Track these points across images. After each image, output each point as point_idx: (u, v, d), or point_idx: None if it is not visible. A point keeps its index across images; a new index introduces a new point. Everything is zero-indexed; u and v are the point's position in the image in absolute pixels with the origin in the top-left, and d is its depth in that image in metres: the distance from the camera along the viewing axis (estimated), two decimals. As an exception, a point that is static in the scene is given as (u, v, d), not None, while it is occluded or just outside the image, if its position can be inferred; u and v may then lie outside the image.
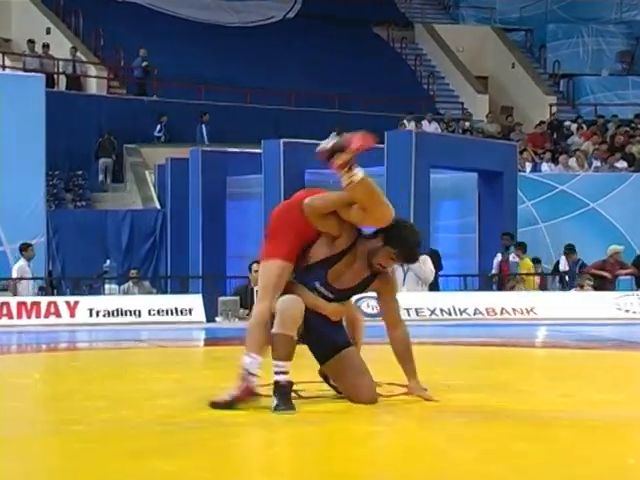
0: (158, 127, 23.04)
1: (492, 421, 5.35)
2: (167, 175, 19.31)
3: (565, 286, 16.98)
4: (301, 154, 17.26)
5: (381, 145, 16.45)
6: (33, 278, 15.82)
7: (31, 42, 23.71)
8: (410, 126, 23.05)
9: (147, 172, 21.52)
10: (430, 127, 24.15)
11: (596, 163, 22.01)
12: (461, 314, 14.75)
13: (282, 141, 17.67)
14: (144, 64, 24.11)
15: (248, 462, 4.31)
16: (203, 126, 22.96)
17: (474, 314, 14.76)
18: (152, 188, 21.05)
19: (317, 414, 5.46)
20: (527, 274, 16.63)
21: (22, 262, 15.89)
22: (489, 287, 16.63)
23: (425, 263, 14.31)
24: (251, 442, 4.83)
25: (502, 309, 14.86)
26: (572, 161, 21.88)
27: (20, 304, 14.43)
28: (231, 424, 5.17)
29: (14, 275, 15.87)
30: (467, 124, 25.67)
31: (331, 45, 27.41)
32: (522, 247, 16.61)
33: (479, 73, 29.84)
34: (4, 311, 14.29)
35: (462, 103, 28.74)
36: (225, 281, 16.95)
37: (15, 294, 15.34)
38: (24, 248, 15.97)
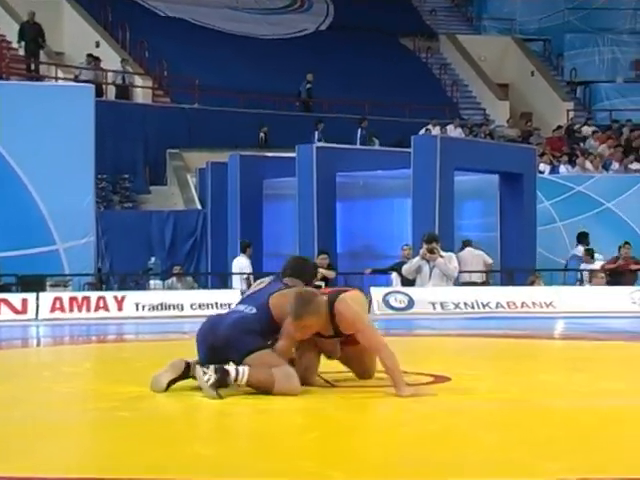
0: (316, 135, 22.31)
1: (515, 409, 5.31)
2: (208, 178, 19.34)
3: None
4: (333, 158, 17.24)
5: (408, 149, 16.40)
6: (83, 275, 15.89)
7: (90, 56, 23.60)
8: (435, 131, 22.96)
9: (189, 175, 21.55)
10: (454, 132, 24.04)
11: (613, 165, 21.84)
12: (484, 307, 14.70)
13: (315, 145, 17.62)
14: (308, 87, 24.77)
15: (286, 446, 4.29)
16: (359, 130, 22.47)
17: (496, 307, 14.70)
18: (193, 190, 21.08)
19: (348, 401, 5.44)
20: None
21: (242, 258, 16.09)
22: (510, 282, 16.51)
23: (450, 261, 14.25)
24: (289, 427, 4.81)
25: (522, 303, 14.77)
26: (588, 163, 21.71)
27: (72, 299, 14.50)
28: (270, 410, 5.16)
29: (234, 270, 16.11)
30: (489, 129, 25.54)
31: (361, 55, 27.34)
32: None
33: (500, 81, 29.66)
34: (57, 305, 14.39)
35: (484, 109, 28.59)
36: (262, 278, 16.91)
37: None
38: (247, 245, 16.25)
